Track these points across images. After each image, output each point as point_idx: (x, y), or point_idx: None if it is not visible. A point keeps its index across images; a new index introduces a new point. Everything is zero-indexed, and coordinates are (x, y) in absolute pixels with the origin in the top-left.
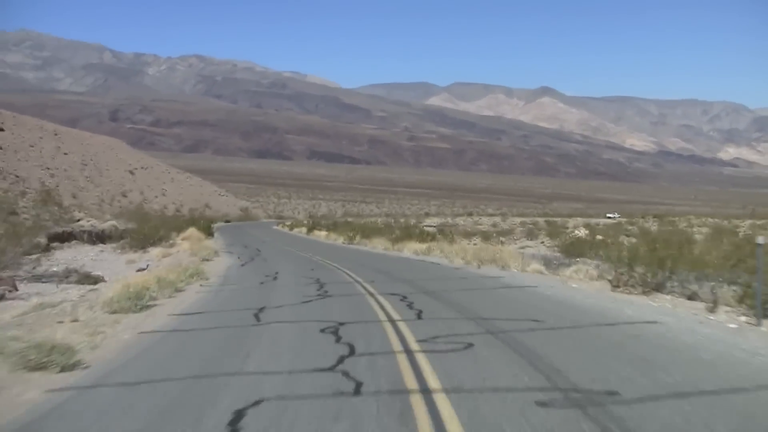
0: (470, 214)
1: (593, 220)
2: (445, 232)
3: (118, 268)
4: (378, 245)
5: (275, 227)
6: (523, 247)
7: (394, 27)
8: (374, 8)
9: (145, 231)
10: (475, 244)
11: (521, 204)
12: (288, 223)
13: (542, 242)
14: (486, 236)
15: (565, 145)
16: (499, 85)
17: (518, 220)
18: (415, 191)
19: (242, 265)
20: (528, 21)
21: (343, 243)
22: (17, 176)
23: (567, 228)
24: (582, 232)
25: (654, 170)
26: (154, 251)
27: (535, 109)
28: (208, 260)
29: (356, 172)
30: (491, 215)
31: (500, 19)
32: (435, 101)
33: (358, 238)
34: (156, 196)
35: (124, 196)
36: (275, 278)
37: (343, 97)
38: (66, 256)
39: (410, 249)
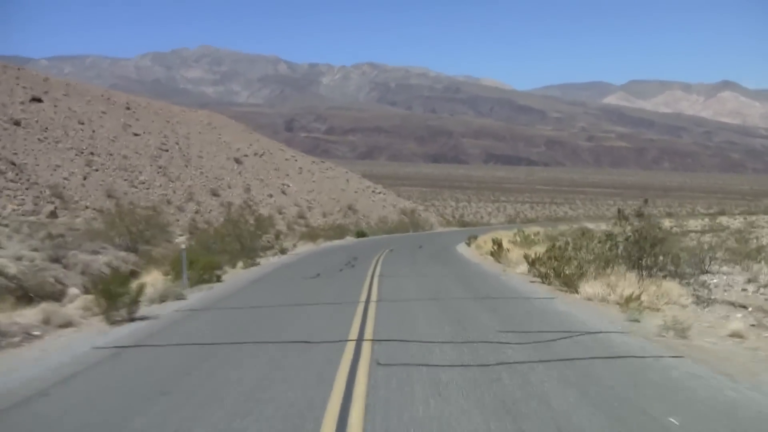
0: (722, 213)
1: None
2: None
3: None
4: None
5: (461, 248)
6: None
7: (566, 27)
8: (546, 10)
9: None
10: None
11: (728, 201)
12: (507, 237)
13: None
14: None
15: (750, 140)
16: (677, 81)
17: None
18: (605, 191)
19: None
20: (706, 14)
21: None
22: (12, 164)
23: None
24: None
25: None
26: None
27: (715, 105)
28: None
29: (536, 173)
30: (710, 214)
31: (676, 15)
32: (611, 100)
33: None
34: (270, 195)
35: (215, 195)
36: None
37: (517, 99)
38: None
39: None
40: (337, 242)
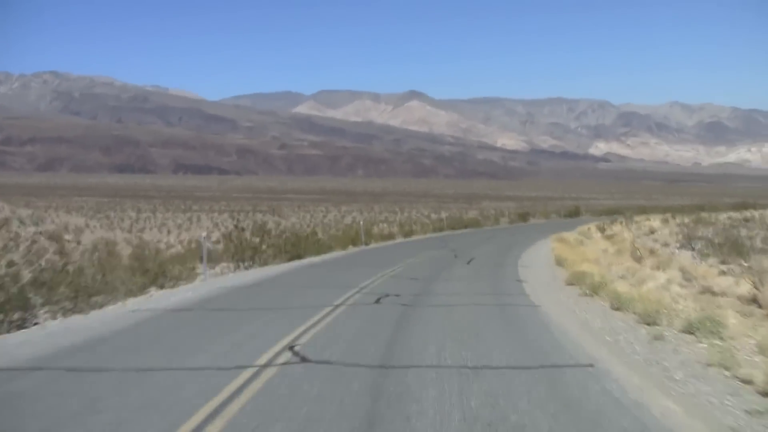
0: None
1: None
2: None
3: None
4: None
5: None
6: None
7: (256, 38)
8: (234, 21)
9: None
10: None
11: (451, 205)
12: None
13: None
14: None
15: (438, 147)
16: (366, 91)
17: None
18: (310, 197)
19: None
20: (393, 27)
21: None
22: None
23: None
24: None
25: (530, 168)
26: None
27: (404, 113)
28: None
29: (229, 182)
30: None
31: (364, 27)
32: (302, 109)
33: None
34: None
35: None
36: None
37: (208, 108)
38: None
39: None
40: None
